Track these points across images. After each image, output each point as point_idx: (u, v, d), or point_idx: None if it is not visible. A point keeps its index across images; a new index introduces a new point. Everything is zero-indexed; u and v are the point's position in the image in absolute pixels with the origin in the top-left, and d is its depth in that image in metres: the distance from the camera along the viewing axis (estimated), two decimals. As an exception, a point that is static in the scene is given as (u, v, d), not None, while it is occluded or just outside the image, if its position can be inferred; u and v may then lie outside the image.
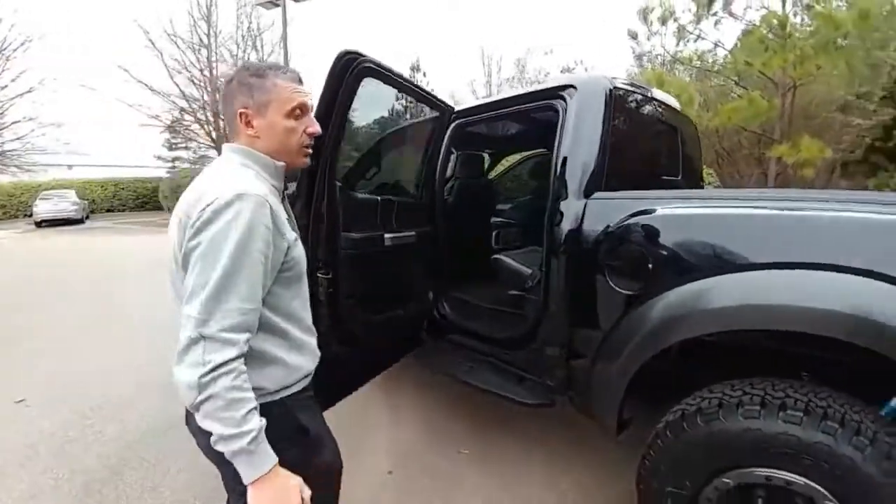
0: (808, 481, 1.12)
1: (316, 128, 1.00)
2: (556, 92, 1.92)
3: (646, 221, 1.46)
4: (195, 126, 19.26)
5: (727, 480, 1.24)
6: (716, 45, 10.05)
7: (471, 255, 2.75)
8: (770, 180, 8.69)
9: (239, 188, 0.83)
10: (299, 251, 0.96)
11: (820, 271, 1.16)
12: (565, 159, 1.76)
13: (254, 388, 0.83)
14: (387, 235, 1.96)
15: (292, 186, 1.55)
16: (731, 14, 8.95)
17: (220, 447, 0.78)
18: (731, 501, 1.25)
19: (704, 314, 1.30)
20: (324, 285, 1.63)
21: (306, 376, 1.00)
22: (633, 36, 10.06)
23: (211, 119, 18.97)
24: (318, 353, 1.06)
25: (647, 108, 2.18)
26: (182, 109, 18.31)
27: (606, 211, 1.59)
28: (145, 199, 18.99)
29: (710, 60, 10.45)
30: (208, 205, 0.81)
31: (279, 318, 0.93)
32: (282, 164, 0.98)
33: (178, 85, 17.55)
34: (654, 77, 8.75)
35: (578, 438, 2.28)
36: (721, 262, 1.31)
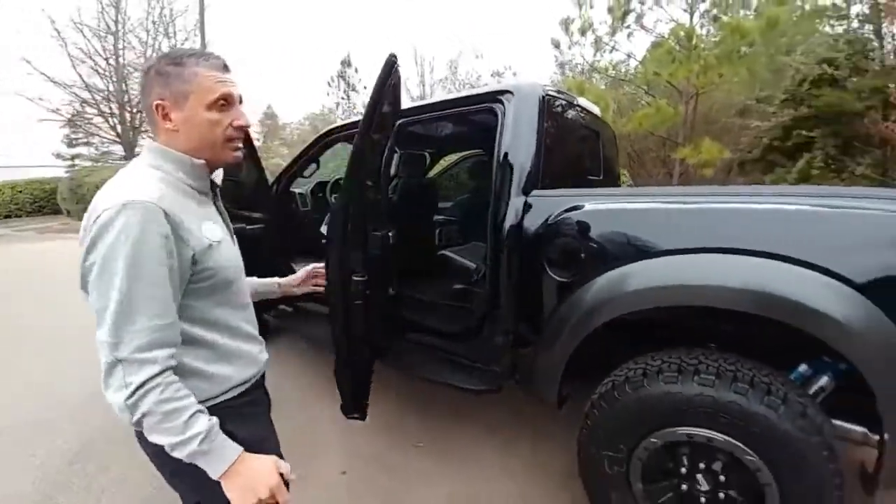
0: (727, 438, 1.29)
1: (244, 120, 0.92)
2: (495, 96, 2.04)
3: (577, 216, 1.62)
4: (98, 119, 17.64)
5: (655, 440, 1.41)
6: (628, 55, 10.98)
7: (416, 253, 2.82)
8: (674, 179, 9.63)
9: (126, 196, 0.77)
10: (220, 257, 0.89)
11: (723, 254, 1.36)
12: (506, 159, 1.88)
13: None
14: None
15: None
16: (642, 27, 9.81)
17: (175, 454, 0.79)
18: (660, 459, 1.43)
19: (625, 296, 1.47)
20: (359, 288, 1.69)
21: (241, 384, 0.96)
22: (556, 45, 10.71)
23: (116, 111, 17.46)
24: (262, 359, 1.04)
25: (573, 114, 2.38)
26: (84, 101, 16.67)
27: (543, 207, 1.74)
28: (43, 203, 16.88)
29: (623, 70, 11.39)
30: (97, 218, 0.77)
31: (198, 328, 0.88)
32: (200, 161, 0.90)
33: (81, 76, 15.97)
34: (575, 85, 9.34)
35: (524, 423, 2.44)
36: (640, 250, 1.49)
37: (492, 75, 16.63)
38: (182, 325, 0.84)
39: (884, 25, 8.70)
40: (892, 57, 7.95)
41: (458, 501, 1.90)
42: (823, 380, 1.43)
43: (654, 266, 1.44)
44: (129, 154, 18.39)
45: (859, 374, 1.22)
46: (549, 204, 1.73)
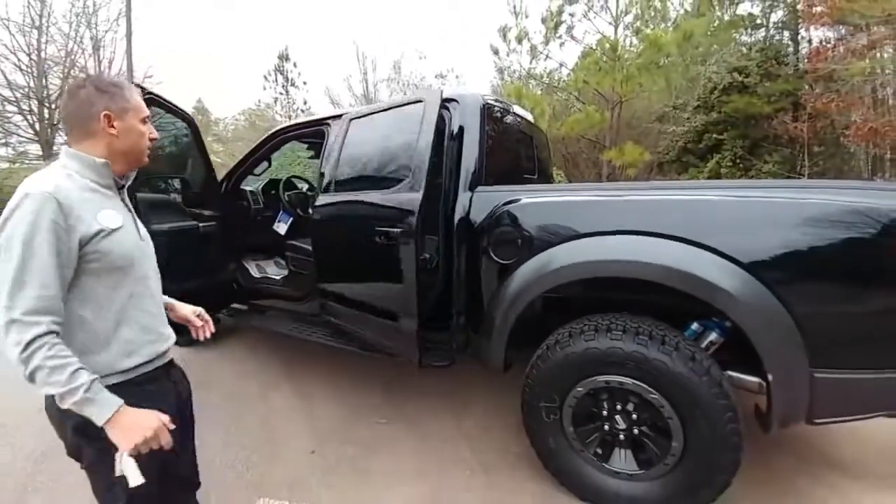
0: (635, 381, 1.62)
1: (155, 134, 1.18)
2: (442, 103, 2.27)
3: (514, 208, 1.91)
4: (16, 118, 16.20)
5: (580, 388, 1.74)
6: (561, 64, 11.71)
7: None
8: (603, 179, 10.45)
9: (29, 189, 0.95)
10: (112, 244, 1.02)
11: (632, 236, 1.68)
12: (454, 160, 2.13)
13: None
14: None
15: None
16: (573, 38, 10.52)
17: (64, 405, 0.92)
18: (585, 405, 1.76)
19: (555, 271, 1.77)
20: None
21: (129, 370, 1.05)
22: (495, 51, 11.20)
23: (35, 109, 16.09)
24: (156, 350, 1.12)
25: (510, 120, 2.69)
26: (5, 100, 15.28)
27: (486, 201, 2.02)
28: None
29: (556, 77, 12.15)
30: (7, 207, 0.95)
31: (87, 307, 1.00)
32: (103, 161, 1.07)
33: (2, 72, 14.69)
34: (514, 90, 9.85)
35: (474, 392, 2.72)
36: (566, 235, 1.79)
37: (435, 77, 16.93)
38: (73, 303, 0.99)
39: (800, 31, 9.89)
40: (805, 61, 9.03)
41: (424, 463, 2.12)
42: (713, 335, 1.81)
43: (576, 246, 1.75)
44: (47, 152, 16.87)
45: (740, 329, 1.54)
46: (491, 199, 2.01)
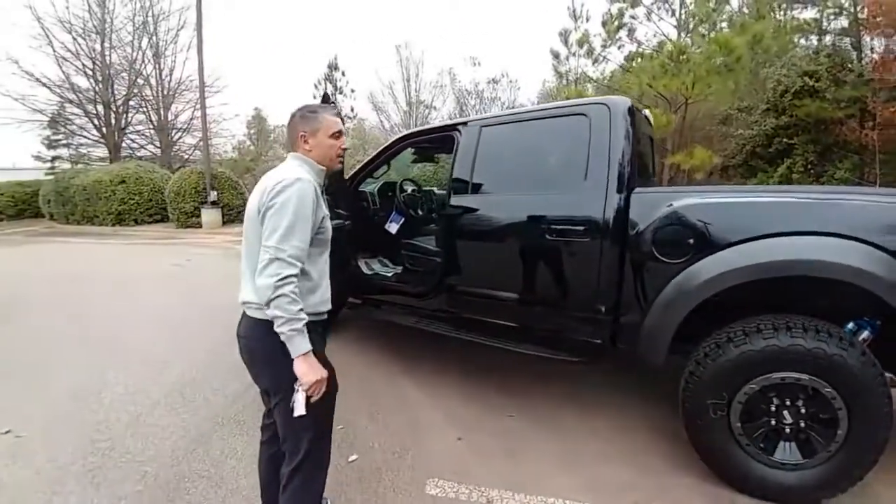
0: (811, 377, 1.70)
1: (345, 145, 1.53)
2: (587, 107, 2.35)
3: (686, 209, 1.96)
4: (80, 120, 17.44)
5: (753, 385, 1.79)
6: (621, 67, 11.58)
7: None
8: (664, 182, 10.24)
9: (298, 175, 1.35)
10: (328, 224, 1.45)
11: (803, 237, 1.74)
12: (605, 162, 2.21)
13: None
14: None
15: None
16: (637, 41, 10.40)
17: (283, 328, 1.24)
18: (756, 400, 1.81)
19: (733, 272, 1.83)
20: None
21: (319, 313, 1.44)
22: (556, 55, 11.20)
23: (101, 112, 17.26)
24: (327, 300, 1.49)
25: (642, 122, 2.73)
26: (69, 101, 16.41)
27: (648, 202, 2.09)
28: (24, 206, 16.34)
29: (615, 80, 12.00)
30: (279, 182, 1.32)
31: (309, 264, 1.38)
32: (321, 167, 1.49)
33: (66, 75, 15.76)
34: (575, 94, 9.83)
35: (600, 391, 2.77)
36: (740, 236, 1.84)
37: (488, 82, 17.02)
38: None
39: (863, 38, 9.49)
40: (869, 69, 8.70)
41: (570, 456, 2.19)
42: (865, 333, 1.88)
43: (759, 247, 1.80)
44: (115, 155, 18.02)
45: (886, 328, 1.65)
46: (653, 199, 2.07)
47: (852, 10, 9.82)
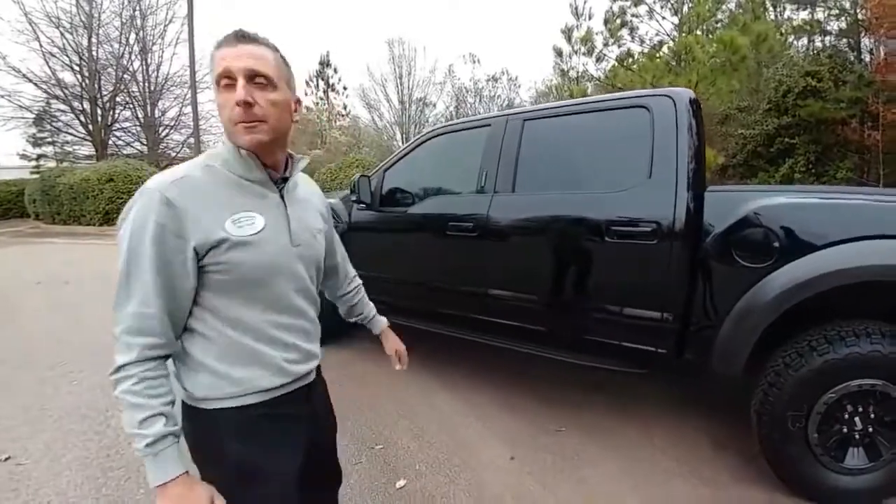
0: (885, 382, 1.65)
1: (242, 95, 0.80)
2: (649, 99, 2.19)
3: (770, 210, 1.82)
4: (66, 117, 17.00)
5: (832, 394, 1.71)
6: (622, 64, 11.52)
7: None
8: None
9: (147, 183, 0.81)
10: (244, 254, 0.84)
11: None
12: (673, 159, 2.05)
13: (184, 390, 0.88)
14: None
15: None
16: (640, 40, 10.35)
17: (133, 446, 0.80)
18: (833, 409, 1.72)
19: (825, 276, 1.69)
20: None
21: (259, 391, 0.89)
22: (558, 53, 11.10)
23: (87, 108, 16.82)
24: (295, 371, 0.94)
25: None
26: (55, 97, 15.97)
27: (723, 202, 1.96)
28: (10, 206, 15.75)
29: (617, 78, 11.95)
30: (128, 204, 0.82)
31: (219, 322, 0.85)
32: (234, 146, 0.85)
33: (53, 70, 15.36)
34: (580, 92, 9.73)
35: (654, 403, 2.61)
36: (829, 238, 1.71)
37: (487, 80, 16.85)
38: (202, 314, 0.85)
39: (862, 40, 9.56)
40: (869, 69, 8.76)
41: (632, 472, 2.03)
42: None
43: (853, 249, 1.65)
44: (101, 153, 17.57)
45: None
46: (729, 199, 1.93)
47: (852, 11, 9.88)
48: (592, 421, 2.46)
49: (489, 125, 2.65)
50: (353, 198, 3.00)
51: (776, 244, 1.77)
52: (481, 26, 32.70)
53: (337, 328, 3.53)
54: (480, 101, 17.18)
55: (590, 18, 10.75)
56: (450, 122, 2.99)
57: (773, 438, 1.81)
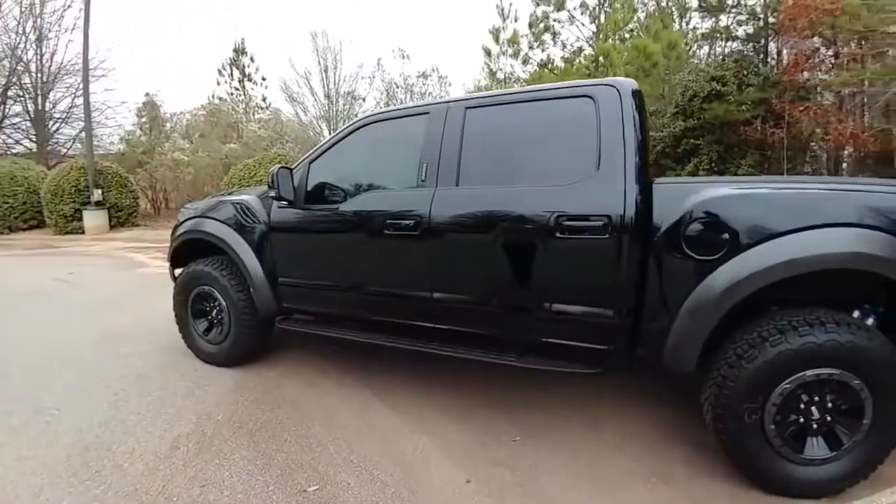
0: (842, 371, 1.64)
1: None
2: (592, 89, 2.09)
3: (720, 201, 1.78)
4: None
5: (787, 385, 1.69)
6: (545, 66, 11.89)
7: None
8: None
9: None
10: None
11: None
12: (619, 150, 1.96)
13: None
14: None
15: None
16: (563, 44, 10.72)
17: None
18: (788, 400, 1.71)
19: (776, 267, 1.68)
20: None
21: None
22: (487, 52, 11.17)
23: None
24: None
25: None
26: None
27: (672, 194, 1.90)
28: None
29: (543, 79, 12.34)
30: None
31: None
32: None
33: None
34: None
35: (604, 403, 2.54)
36: (777, 228, 1.70)
37: (418, 76, 16.50)
38: None
39: (769, 43, 10.57)
40: (777, 71, 9.67)
41: (592, 479, 1.92)
42: (870, 320, 1.87)
43: (801, 239, 1.65)
44: None
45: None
46: (676, 191, 1.87)
47: (762, 15, 10.90)
48: (544, 424, 2.33)
49: (428, 112, 2.43)
50: (273, 194, 2.61)
51: (726, 236, 1.74)
52: (410, 21, 32.29)
53: (260, 345, 3.13)
54: (411, 97, 16.90)
55: (515, 20, 10.94)
56: (384, 110, 2.72)
57: (730, 432, 1.78)
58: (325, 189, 2.70)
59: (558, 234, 1.97)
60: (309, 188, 2.70)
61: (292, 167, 2.72)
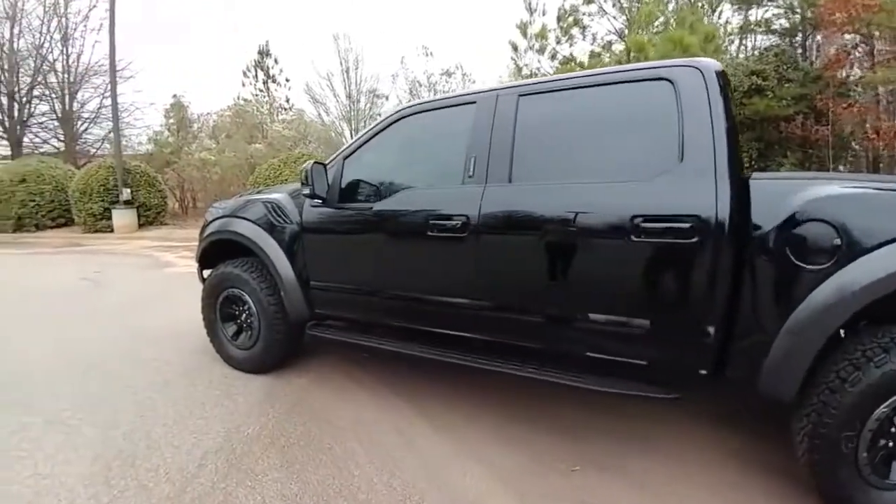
0: None
1: None
2: (670, 71, 1.85)
3: (833, 201, 1.52)
4: None
5: (885, 409, 1.46)
6: (571, 62, 11.53)
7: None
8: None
9: None
10: None
11: None
12: (706, 140, 1.70)
13: None
14: None
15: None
16: (593, 37, 10.37)
17: None
18: (883, 426, 1.48)
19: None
20: None
21: None
22: (514, 48, 10.89)
23: (5, 103, 15.02)
24: None
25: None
26: None
27: (773, 191, 1.65)
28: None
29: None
30: None
31: None
32: None
33: None
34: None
35: (656, 428, 2.28)
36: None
37: (441, 74, 16.25)
38: None
39: (808, 38, 10.06)
40: (819, 66, 9.17)
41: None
42: None
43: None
44: (16, 152, 15.62)
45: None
46: (778, 188, 1.60)
47: (800, 9, 10.37)
48: (600, 450, 2.08)
49: (474, 102, 2.21)
50: (306, 191, 2.43)
51: (838, 241, 1.47)
52: (433, 19, 31.96)
53: (291, 352, 2.96)
54: (435, 95, 16.72)
55: (543, 14, 10.63)
56: (424, 100, 2.51)
57: (825, 464, 1.54)
58: (361, 186, 2.51)
59: (633, 238, 1.72)
60: (343, 186, 2.51)
61: (326, 163, 2.53)
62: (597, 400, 2.43)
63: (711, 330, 1.68)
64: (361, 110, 18.64)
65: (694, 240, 1.64)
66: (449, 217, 2.10)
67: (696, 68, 1.80)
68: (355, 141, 2.59)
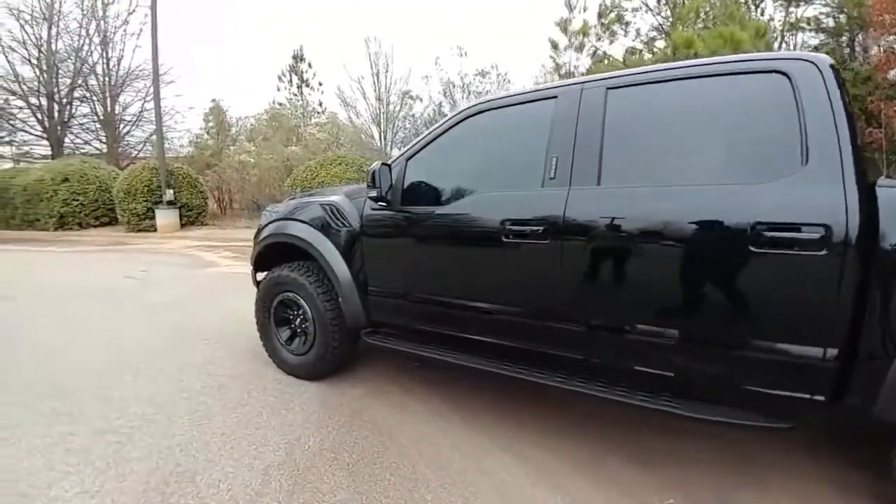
0: None
1: None
2: (783, 63, 1.64)
3: None
4: (23, 114, 15.92)
5: None
6: (601, 60, 11.17)
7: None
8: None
9: None
10: None
11: None
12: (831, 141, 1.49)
13: None
14: None
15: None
16: (637, 33, 10.02)
17: None
18: None
19: None
20: None
21: None
22: (554, 45, 10.63)
23: (45, 104, 15.67)
24: None
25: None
26: (13, 94, 14.84)
27: None
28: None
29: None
30: None
31: None
32: None
33: (11, 64, 14.36)
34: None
35: (742, 450, 2.04)
36: None
37: (475, 75, 16.08)
38: None
39: (856, 39, 9.52)
40: (869, 67, 8.65)
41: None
42: None
43: None
44: (57, 152, 16.29)
45: None
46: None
47: (846, 9, 9.85)
48: (694, 481, 1.87)
49: (555, 97, 2.04)
50: (373, 193, 2.31)
51: None
52: (467, 18, 31.74)
53: (346, 359, 2.86)
54: (468, 96, 16.55)
55: (584, 11, 10.36)
56: (497, 96, 2.35)
57: None
58: (427, 188, 2.38)
59: (752, 248, 1.52)
60: (406, 187, 2.39)
61: (390, 163, 2.41)
62: (680, 426, 2.22)
63: (835, 352, 1.47)
64: (391, 112, 18.70)
65: (822, 252, 1.43)
66: (528, 221, 1.94)
67: (812, 62, 1.59)
68: (419, 140, 2.46)
